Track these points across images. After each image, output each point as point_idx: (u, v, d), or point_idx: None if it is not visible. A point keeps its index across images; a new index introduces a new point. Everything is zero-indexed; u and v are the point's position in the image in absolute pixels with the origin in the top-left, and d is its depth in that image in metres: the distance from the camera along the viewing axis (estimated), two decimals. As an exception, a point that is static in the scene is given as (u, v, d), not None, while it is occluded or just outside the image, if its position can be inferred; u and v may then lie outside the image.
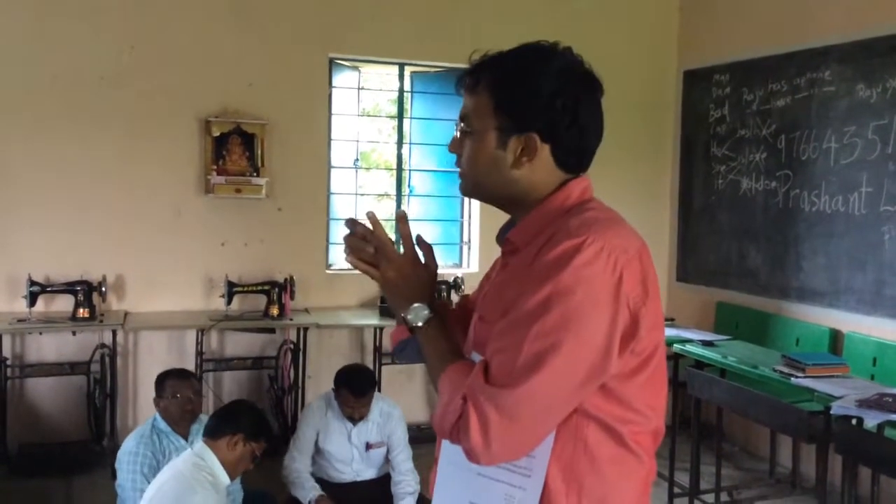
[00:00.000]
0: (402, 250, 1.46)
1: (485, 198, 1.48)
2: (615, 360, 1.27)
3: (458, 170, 1.47)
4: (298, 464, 3.67)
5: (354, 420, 3.68)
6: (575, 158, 1.41)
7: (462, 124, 1.43)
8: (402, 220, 1.49)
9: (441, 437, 1.35)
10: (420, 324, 1.42)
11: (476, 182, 1.44)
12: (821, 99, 4.68)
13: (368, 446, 3.74)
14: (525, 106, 1.36)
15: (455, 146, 1.46)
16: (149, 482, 3.17)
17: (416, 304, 1.43)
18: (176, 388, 3.44)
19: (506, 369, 1.25)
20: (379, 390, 3.81)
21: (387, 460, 3.80)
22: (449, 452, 1.39)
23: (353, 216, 1.54)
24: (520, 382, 1.23)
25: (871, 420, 3.19)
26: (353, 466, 3.76)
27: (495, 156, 1.39)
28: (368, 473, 3.79)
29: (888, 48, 4.27)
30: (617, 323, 1.25)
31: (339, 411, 3.69)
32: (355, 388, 3.64)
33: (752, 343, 4.53)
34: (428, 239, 1.52)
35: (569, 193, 1.40)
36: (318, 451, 3.74)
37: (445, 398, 1.31)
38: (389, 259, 1.44)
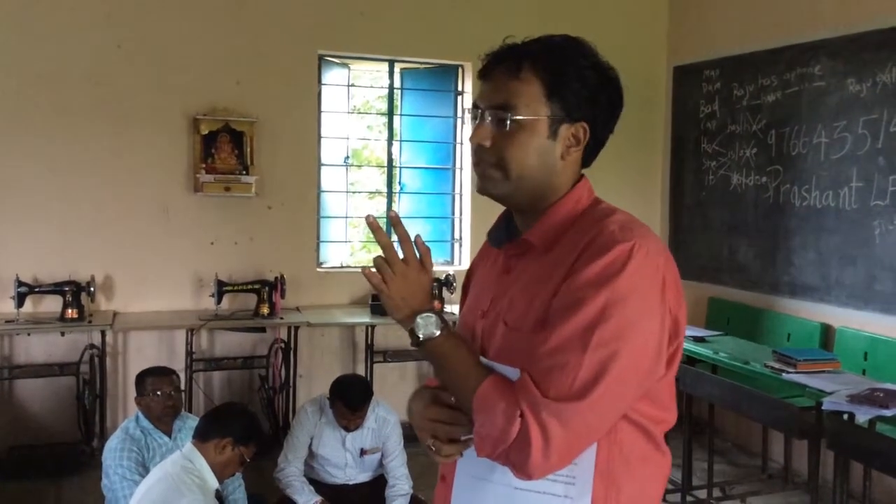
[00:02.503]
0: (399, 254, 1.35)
1: (515, 193, 1.37)
2: (663, 364, 1.28)
3: (485, 162, 1.36)
4: (293, 467, 3.63)
5: (349, 429, 3.66)
6: (596, 152, 1.42)
7: (502, 112, 1.34)
8: (396, 222, 1.38)
9: (485, 457, 1.26)
10: (435, 334, 1.30)
11: (519, 174, 1.35)
12: (811, 94, 4.67)
13: (363, 452, 3.71)
14: (577, 94, 1.34)
15: (485, 135, 1.35)
16: (136, 477, 3.16)
17: (425, 314, 1.31)
18: (156, 385, 3.43)
19: (567, 382, 1.21)
20: (372, 392, 3.75)
21: (380, 464, 3.78)
22: (471, 465, 1.32)
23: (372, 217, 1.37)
24: (586, 394, 1.20)
25: (863, 415, 3.20)
26: (347, 471, 3.73)
27: (545, 145, 1.35)
28: (362, 477, 3.76)
29: (878, 43, 4.27)
30: (665, 327, 1.27)
31: (333, 419, 3.66)
32: (350, 402, 3.58)
33: (743, 338, 4.54)
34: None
35: (580, 194, 1.40)
36: (311, 455, 3.71)
37: (497, 418, 1.22)
38: (394, 267, 1.32)
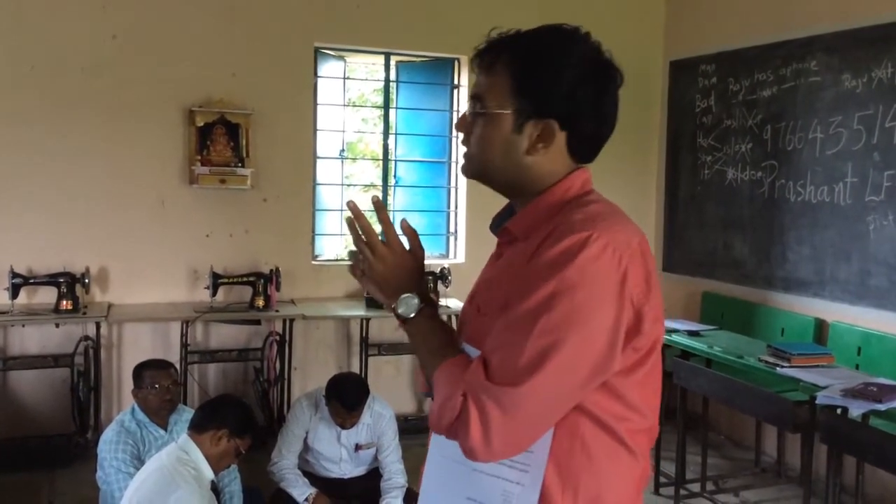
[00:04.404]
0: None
1: (489, 181, 1.43)
2: (619, 358, 1.25)
3: (464, 150, 1.42)
4: (287, 461, 3.63)
5: (345, 427, 3.65)
6: (588, 147, 1.39)
7: (475, 104, 1.38)
8: (378, 207, 1.43)
9: (437, 433, 1.31)
10: (411, 315, 1.38)
11: (484, 165, 1.39)
12: (806, 89, 4.68)
13: (358, 447, 3.71)
14: (547, 91, 1.32)
15: (464, 125, 1.41)
16: (131, 470, 3.16)
17: (405, 295, 1.38)
18: (154, 378, 3.41)
19: (508, 366, 1.22)
20: (368, 391, 3.74)
21: (375, 458, 3.78)
22: (442, 445, 1.35)
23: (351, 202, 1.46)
24: (523, 380, 1.20)
25: (856, 409, 3.22)
26: (342, 466, 3.73)
27: (509, 140, 1.35)
28: (357, 472, 3.77)
29: (874, 38, 4.28)
30: (621, 320, 1.23)
31: (328, 415, 3.66)
32: (347, 402, 3.58)
33: (737, 333, 4.55)
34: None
35: (570, 185, 1.38)
36: (306, 448, 3.71)
37: (443, 395, 1.27)
38: (375, 251, 1.39)
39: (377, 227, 1.43)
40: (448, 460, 1.35)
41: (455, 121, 1.50)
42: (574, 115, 1.34)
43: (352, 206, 1.41)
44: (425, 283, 1.45)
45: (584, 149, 1.39)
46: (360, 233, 1.39)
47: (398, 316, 1.39)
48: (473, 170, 1.42)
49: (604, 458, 1.30)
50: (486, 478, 1.32)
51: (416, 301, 1.38)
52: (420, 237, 1.45)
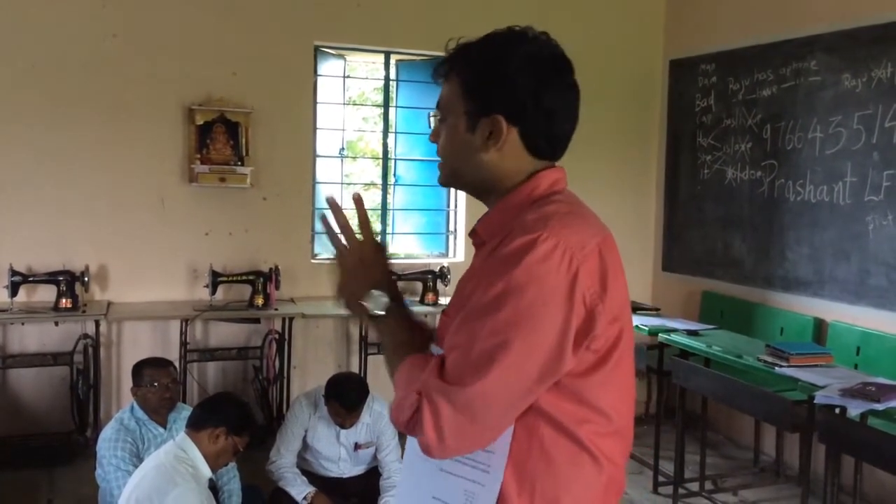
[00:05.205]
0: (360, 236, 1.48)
1: (460, 185, 1.47)
2: (569, 359, 1.24)
3: (438, 160, 1.46)
4: (285, 460, 3.63)
5: (344, 427, 3.65)
6: (545, 143, 1.39)
7: (437, 112, 1.43)
8: (358, 203, 1.49)
9: (398, 430, 1.34)
10: (379, 312, 1.41)
11: (451, 169, 1.44)
12: (806, 89, 4.68)
13: (357, 446, 3.71)
14: (489, 87, 1.35)
15: (434, 135, 1.45)
16: (130, 468, 3.16)
17: (374, 291, 1.41)
18: (154, 376, 3.42)
19: (458, 366, 1.24)
20: (368, 391, 3.73)
21: (374, 457, 3.78)
22: (414, 444, 1.36)
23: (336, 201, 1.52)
24: (472, 380, 1.22)
25: (855, 409, 3.22)
26: (340, 465, 3.73)
27: (465, 140, 1.38)
28: (356, 471, 3.77)
29: (874, 38, 4.28)
30: (570, 321, 1.23)
31: (327, 414, 3.66)
32: (346, 402, 3.58)
33: (736, 332, 4.55)
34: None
35: (536, 185, 1.37)
36: (305, 447, 3.71)
37: (401, 392, 1.30)
38: (350, 243, 1.46)
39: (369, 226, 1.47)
40: (418, 458, 1.36)
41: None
42: (518, 110, 1.35)
43: (331, 201, 1.48)
44: (395, 282, 1.49)
45: (543, 145, 1.39)
46: (336, 227, 1.46)
47: (368, 313, 1.42)
48: (444, 176, 1.46)
49: (563, 462, 1.29)
50: (450, 477, 1.33)
51: (385, 300, 1.41)
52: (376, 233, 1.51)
